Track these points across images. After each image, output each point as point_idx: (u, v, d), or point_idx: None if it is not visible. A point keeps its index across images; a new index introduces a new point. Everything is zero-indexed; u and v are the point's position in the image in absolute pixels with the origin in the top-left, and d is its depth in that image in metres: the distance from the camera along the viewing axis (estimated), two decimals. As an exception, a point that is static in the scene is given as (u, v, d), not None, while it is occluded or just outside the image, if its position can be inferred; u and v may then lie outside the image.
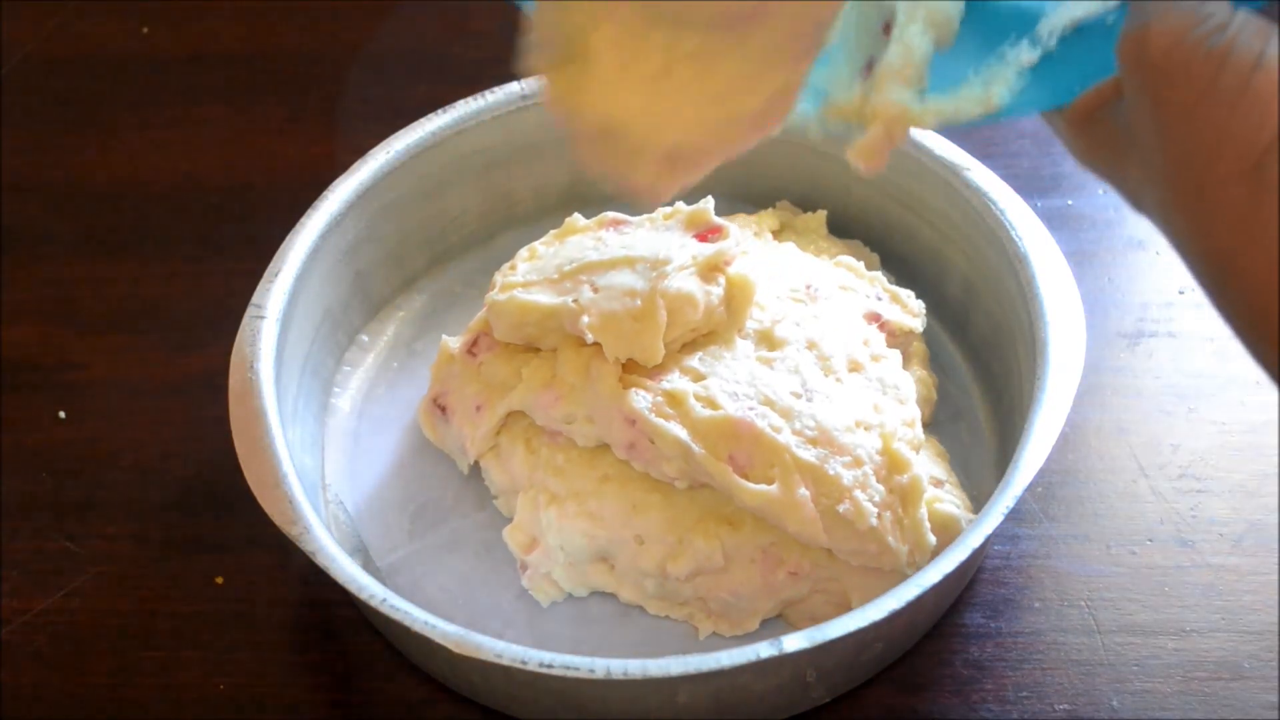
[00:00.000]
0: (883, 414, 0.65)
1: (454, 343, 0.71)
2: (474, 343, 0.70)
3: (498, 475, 0.70)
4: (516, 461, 0.68)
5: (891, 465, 0.63)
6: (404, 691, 0.65)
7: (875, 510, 0.62)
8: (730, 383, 0.65)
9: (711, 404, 0.64)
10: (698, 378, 0.65)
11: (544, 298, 0.67)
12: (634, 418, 0.64)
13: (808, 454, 0.62)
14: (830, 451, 0.63)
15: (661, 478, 0.65)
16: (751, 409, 0.63)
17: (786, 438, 0.63)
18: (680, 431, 0.63)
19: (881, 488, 0.63)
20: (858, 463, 0.63)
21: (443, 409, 0.71)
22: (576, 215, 0.72)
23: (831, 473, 0.62)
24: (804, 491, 0.62)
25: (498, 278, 0.70)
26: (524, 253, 0.72)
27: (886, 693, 0.65)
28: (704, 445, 0.63)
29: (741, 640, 0.65)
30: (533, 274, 0.69)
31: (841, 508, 0.62)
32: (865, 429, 0.64)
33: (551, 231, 0.73)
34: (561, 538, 0.65)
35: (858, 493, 0.62)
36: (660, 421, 0.63)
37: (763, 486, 0.62)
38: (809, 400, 0.64)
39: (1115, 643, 0.66)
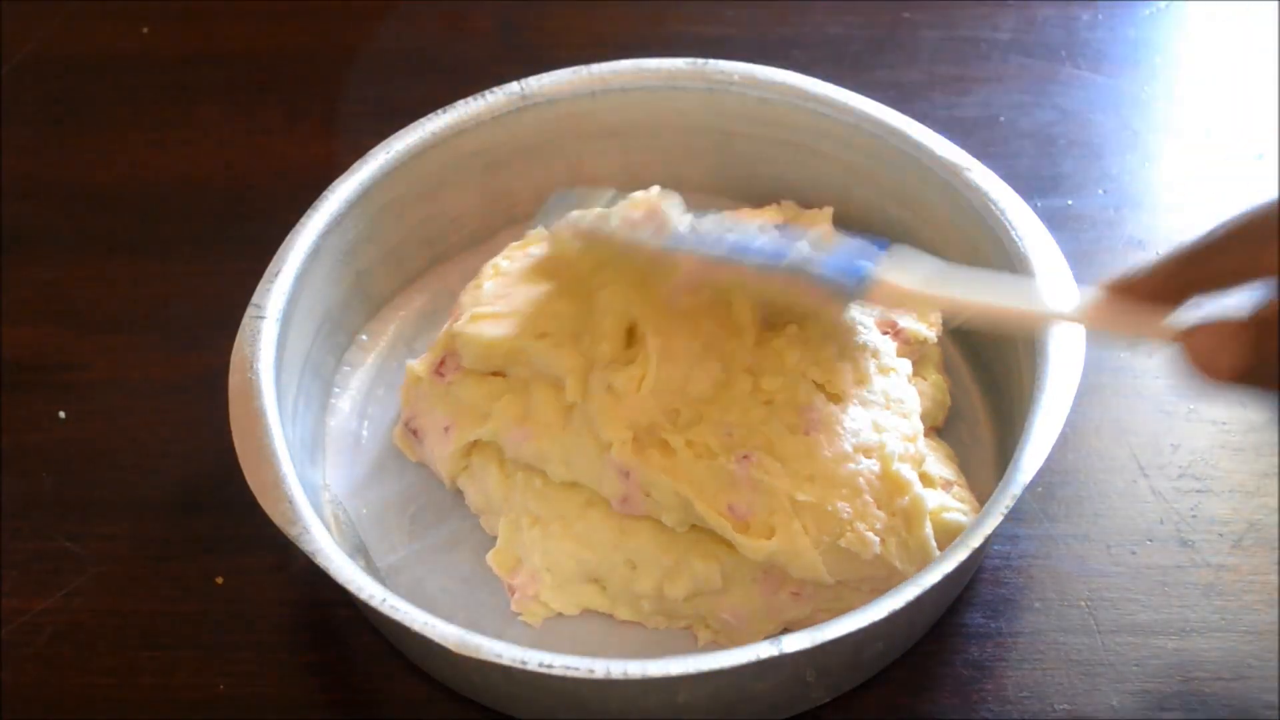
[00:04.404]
0: (883, 433, 0.64)
1: (419, 365, 0.70)
2: (441, 363, 0.69)
3: (474, 496, 0.69)
4: (491, 483, 0.67)
5: (892, 488, 0.62)
6: (404, 691, 0.65)
7: (878, 539, 0.61)
8: (724, 422, 0.63)
9: (707, 450, 0.62)
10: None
11: (511, 333, 0.66)
12: (628, 470, 0.62)
13: (806, 494, 0.61)
14: (829, 486, 0.62)
15: (658, 519, 0.64)
16: (747, 456, 0.62)
17: (784, 481, 0.61)
18: (677, 484, 0.62)
19: (883, 513, 0.62)
20: (857, 492, 0.62)
21: (415, 432, 0.71)
22: (539, 228, 0.72)
23: (830, 509, 0.61)
24: (805, 540, 0.61)
25: (464, 298, 0.70)
26: (488, 269, 0.71)
27: (886, 693, 0.64)
28: (701, 497, 0.62)
29: (741, 641, 0.64)
30: (499, 301, 0.68)
31: (843, 542, 0.61)
32: (865, 453, 0.63)
33: (513, 244, 0.73)
34: (547, 560, 0.65)
35: (859, 524, 0.61)
36: (656, 473, 0.62)
37: (764, 542, 0.61)
38: (806, 433, 0.63)
39: (1115, 643, 0.66)
